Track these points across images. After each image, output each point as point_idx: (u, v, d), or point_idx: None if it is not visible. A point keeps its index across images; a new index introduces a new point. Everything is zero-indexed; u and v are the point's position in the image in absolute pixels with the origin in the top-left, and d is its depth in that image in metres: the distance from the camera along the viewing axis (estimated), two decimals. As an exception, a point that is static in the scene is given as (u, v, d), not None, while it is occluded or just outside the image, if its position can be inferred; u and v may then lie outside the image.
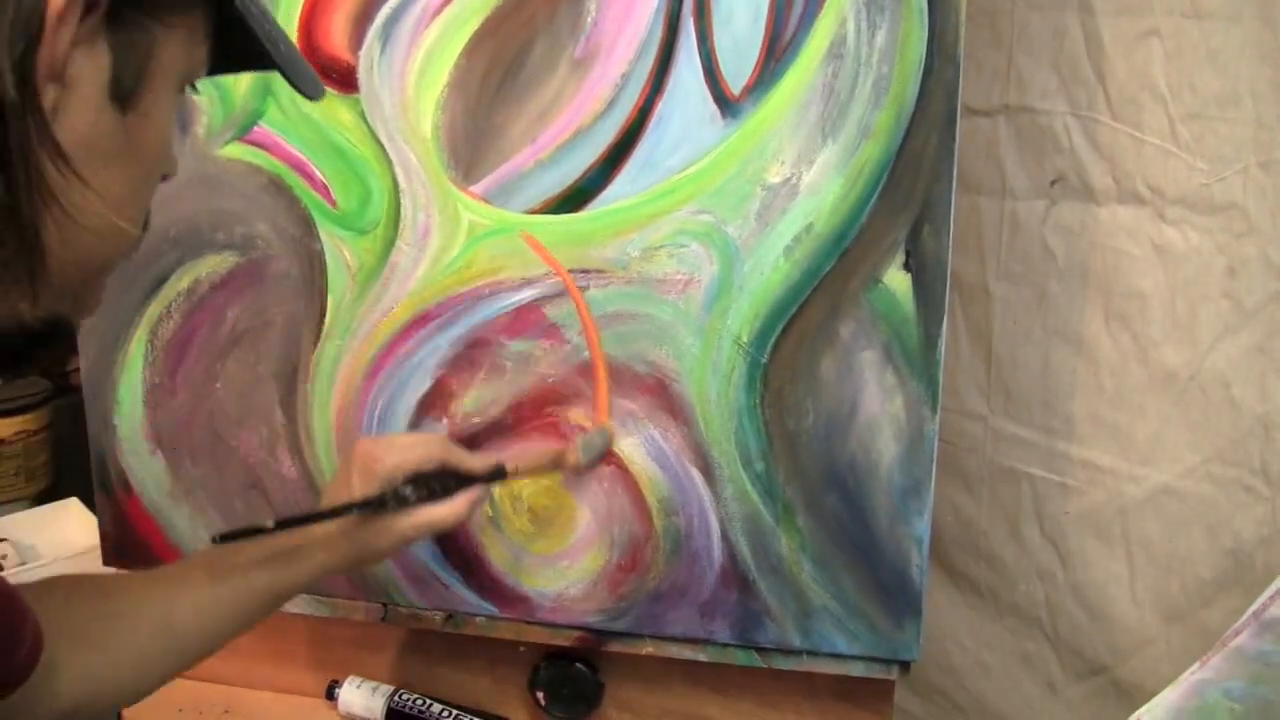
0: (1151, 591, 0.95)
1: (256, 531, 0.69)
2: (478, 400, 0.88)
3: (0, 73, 0.39)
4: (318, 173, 0.88)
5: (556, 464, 0.84)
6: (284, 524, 0.70)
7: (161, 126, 0.49)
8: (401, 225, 0.86)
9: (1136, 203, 0.92)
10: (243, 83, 0.87)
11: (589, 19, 0.81)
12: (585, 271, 0.84)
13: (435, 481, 0.74)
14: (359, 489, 0.72)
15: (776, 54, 0.79)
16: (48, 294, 0.45)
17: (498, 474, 0.78)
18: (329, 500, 0.74)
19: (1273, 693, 0.61)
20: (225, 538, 0.68)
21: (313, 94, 0.57)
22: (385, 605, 0.94)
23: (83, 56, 0.43)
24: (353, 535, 0.72)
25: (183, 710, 1.02)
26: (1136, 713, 0.59)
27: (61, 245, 0.44)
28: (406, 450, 0.74)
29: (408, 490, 0.73)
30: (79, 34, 0.42)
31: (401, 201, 0.86)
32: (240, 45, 0.51)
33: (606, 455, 0.86)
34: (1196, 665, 0.63)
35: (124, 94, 0.45)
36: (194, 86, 0.51)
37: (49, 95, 0.42)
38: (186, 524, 0.95)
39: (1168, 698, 0.61)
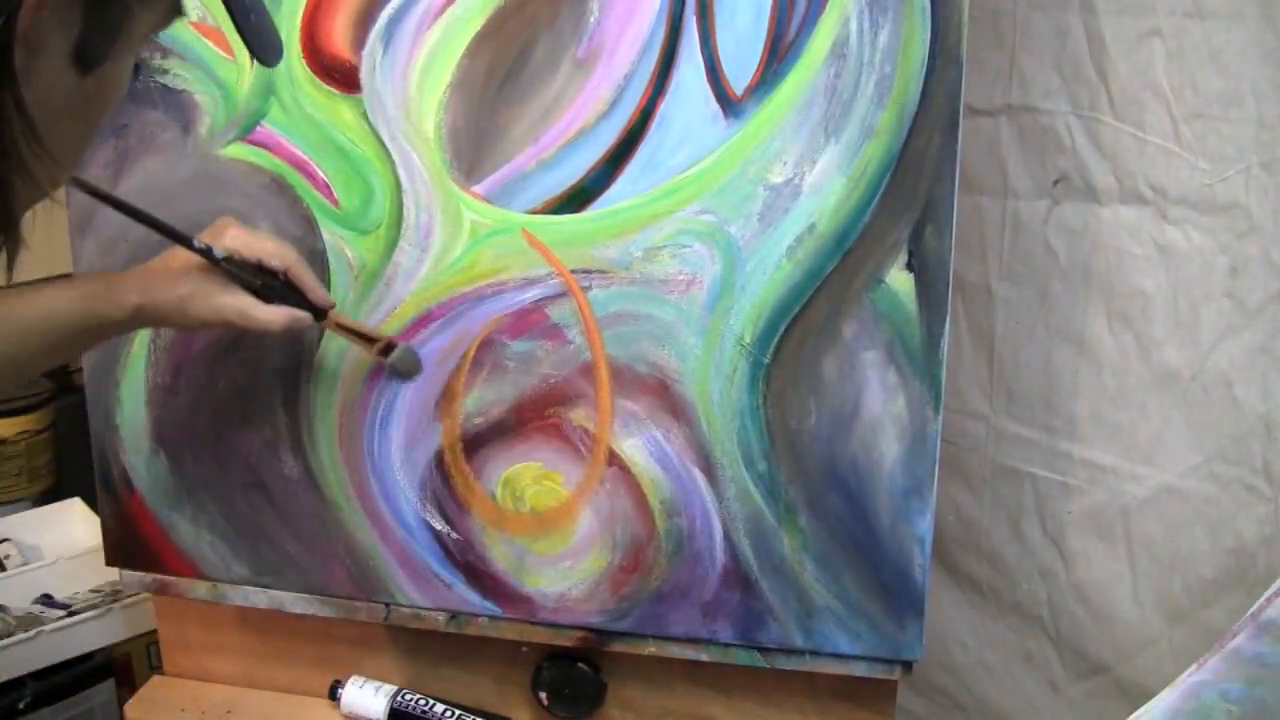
0: (1153, 591, 0.96)
1: (105, 198, 0.73)
2: (480, 400, 0.88)
3: None
4: (320, 172, 0.88)
5: (370, 344, 0.86)
6: (127, 208, 0.75)
7: (119, 84, 0.49)
8: (404, 225, 0.87)
9: (1139, 202, 0.92)
10: (245, 83, 0.87)
11: (591, 19, 0.81)
12: (587, 272, 0.84)
13: (274, 281, 0.78)
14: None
15: (779, 54, 0.79)
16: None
17: (320, 311, 0.81)
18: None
19: (1269, 694, 0.61)
20: (79, 184, 0.74)
21: (268, 61, 0.57)
22: (387, 605, 0.94)
23: (56, 23, 0.42)
24: (174, 288, 0.74)
25: (185, 710, 1.02)
26: (1134, 715, 0.60)
27: (23, 204, 0.45)
28: (265, 239, 0.78)
29: (244, 265, 0.76)
30: (59, 2, 0.42)
31: (404, 201, 0.86)
32: None
33: (408, 376, 0.88)
34: (1194, 667, 0.63)
35: (88, 59, 0.45)
36: (155, 37, 0.51)
37: (18, 62, 0.41)
38: (189, 524, 0.95)
39: (1165, 700, 0.61)
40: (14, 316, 0.69)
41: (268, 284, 0.78)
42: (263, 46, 0.55)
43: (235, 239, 0.76)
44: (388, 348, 0.87)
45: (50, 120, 0.44)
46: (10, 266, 0.47)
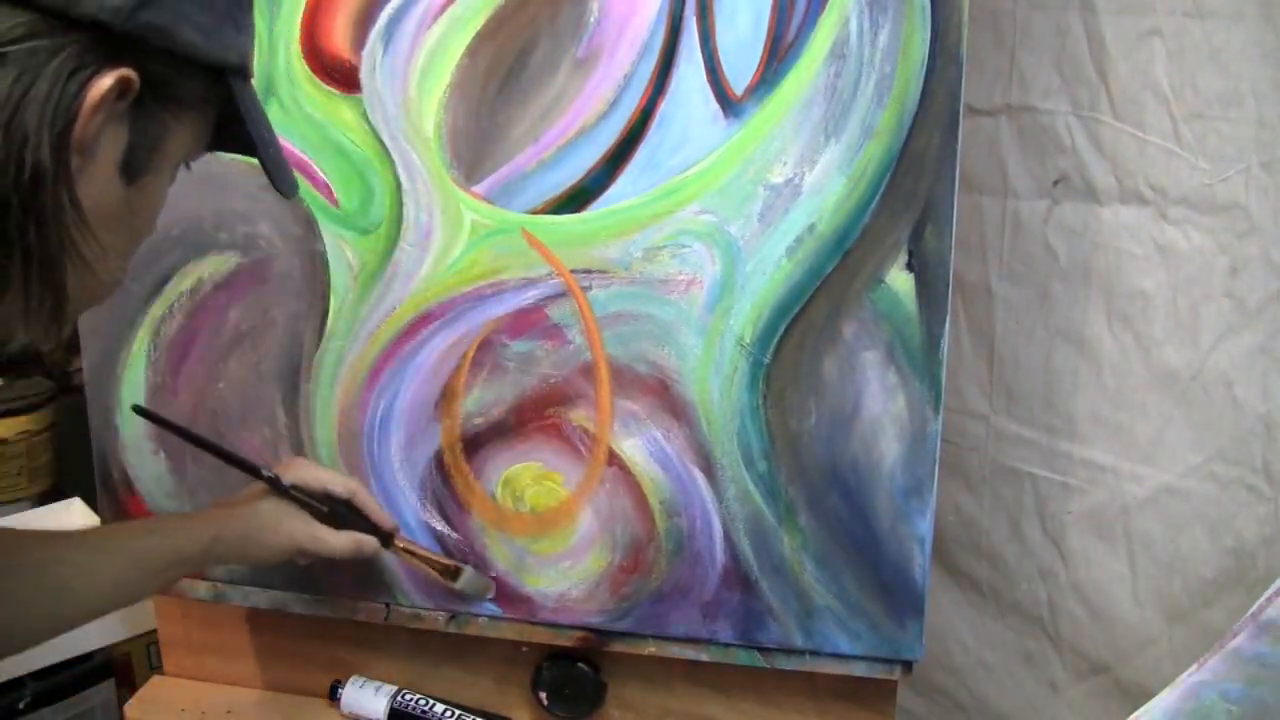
0: (1153, 591, 0.96)
1: (173, 427, 0.81)
2: (480, 401, 0.88)
3: (40, 143, 0.46)
4: (320, 173, 0.88)
5: (441, 571, 0.89)
6: (198, 439, 0.82)
7: (157, 199, 0.56)
8: (404, 225, 0.86)
9: (1139, 202, 0.92)
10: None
11: (591, 19, 0.81)
12: (587, 272, 0.84)
13: (339, 507, 0.82)
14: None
15: (779, 54, 0.79)
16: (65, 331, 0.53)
17: (387, 536, 0.85)
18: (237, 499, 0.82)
19: (1269, 694, 0.61)
20: (141, 411, 0.83)
21: (287, 193, 0.63)
22: (387, 605, 0.94)
23: (107, 134, 0.49)
24: (246, 519, 0.79)
25: (185, 710, 1.02)
26: (1134, 715, 0.59)
27: (78, 292, 0.51)
28: (325, 471, 0.84)
29: (311, 492, 0.81)
30: (110, 115, 0.48)
31: (404, 201, 0.86)
32: (235, 137, 0.57)
33: (480, 601, 0.91)
34: (1194, 667, 0.63)
35: (132, 170, 0.51)
36: (188, 166, 0.57)
37: (74, 164, 0.48)
38: (189, 524, 0.95)
39: (1165, 700, 0.61)
40: (109, 564, 0.73)
41: (335, 510, 0.81)
42: (280, 177, 0.61)
43: (302, 468, 0.82)
44: (455, 572, 0.88)
45: (103, 223, 0.50)
46: (66, 366, 0.55)
